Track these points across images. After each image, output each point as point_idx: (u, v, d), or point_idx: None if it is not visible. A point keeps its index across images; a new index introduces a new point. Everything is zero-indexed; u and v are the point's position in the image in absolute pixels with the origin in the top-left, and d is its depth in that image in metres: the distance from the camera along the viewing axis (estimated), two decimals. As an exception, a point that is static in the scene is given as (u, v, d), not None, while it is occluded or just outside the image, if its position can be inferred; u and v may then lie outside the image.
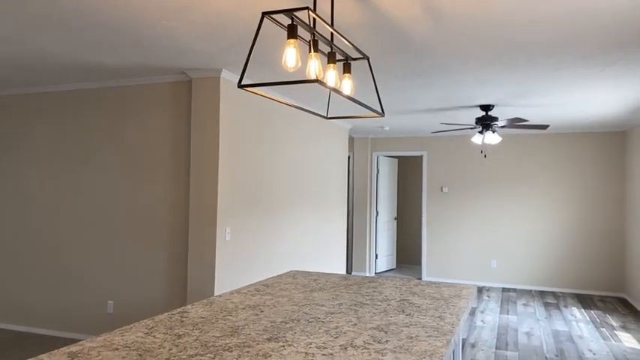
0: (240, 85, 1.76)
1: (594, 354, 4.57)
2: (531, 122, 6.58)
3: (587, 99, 5.03)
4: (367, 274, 8.59)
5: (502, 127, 5.33)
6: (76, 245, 4.83)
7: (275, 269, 5.15)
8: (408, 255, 10.06)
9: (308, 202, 6.04)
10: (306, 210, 5.97)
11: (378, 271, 8.81)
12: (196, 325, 1.94)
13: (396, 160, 9.53)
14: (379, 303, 2.37)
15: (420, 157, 9.68)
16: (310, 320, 2.02)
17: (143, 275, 4.55)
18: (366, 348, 1.68)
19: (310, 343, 1.72)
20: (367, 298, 2.48)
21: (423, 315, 2.15)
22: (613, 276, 7.34)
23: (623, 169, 7.33)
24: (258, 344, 1.70)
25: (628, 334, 5.22)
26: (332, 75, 2.19)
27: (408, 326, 1.95)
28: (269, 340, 1.76)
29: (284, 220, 5.39)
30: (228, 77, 4.26)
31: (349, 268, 8.73)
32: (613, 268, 7.34)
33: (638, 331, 5.37)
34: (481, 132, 5.47)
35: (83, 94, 4.84)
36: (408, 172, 10.21)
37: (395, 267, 9.49)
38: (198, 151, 4.23)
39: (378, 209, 8.82)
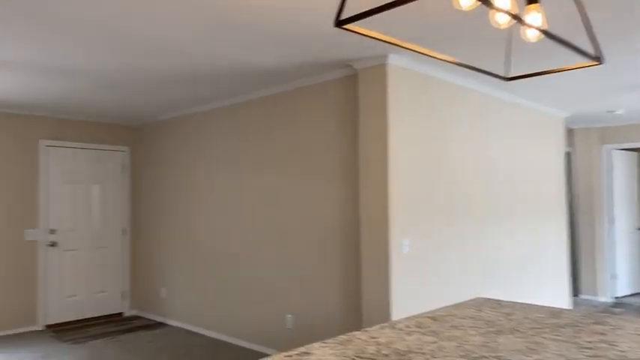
0: (338, 23, 1.13)
1: None
2: None
3: None
4: (601, 299, 6.86)
5: None
6: (256, 255, 4.75)
7: (464, 291, 4.27)
8: (660, 275, 7.80)
9: (511, 208, 4.97)
10: (508, 218, 4.91)
11: (617, 296, 6.98)
12: (306, 380, 1.35)
13: (637, 153, 7.52)
14: (610, 366, 1.44)
15: (672, 149, 7.46)
16: (479, 391, 1.25)
17: (319, 289, 4.19)
18: None
19: None
20: (589, 353, 1.56)
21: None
22: None
23: None
24: None
25: None
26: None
27: None
28: None
29: (479, 231, 4.47)
30: (397, 63, 3.64)
31: (576, 291, 7.11)
32: None
33: None
34: None
35: (254, 103, 4.77)
36: (655, 168, 7.97)
37: (642, 290, 7.44)
38: (366, 152, 3.70)
39: (614, 216, 7.01)
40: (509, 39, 1.95)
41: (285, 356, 1.57)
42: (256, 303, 4.75)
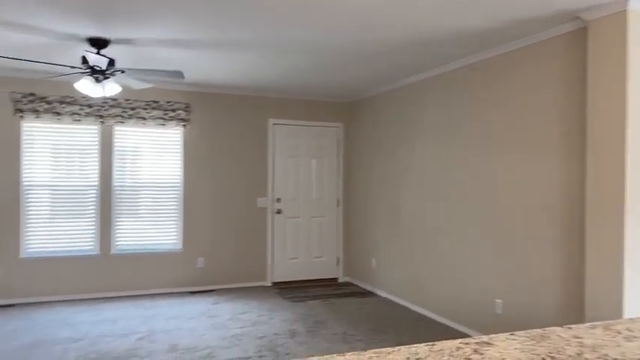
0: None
1: None
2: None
3: None
4: None
5: None
6: (465, 234, 4.50)
7: None
8: None
9: None
10: None
11: None
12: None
13: None
14: None
15: None
16: None
17: (534, 275, 3.76)
18: None
19: None
20: None
21: None
22: None
23: None
24: None
25: None
26: None
27: None
28: None
29: None
30: (642, 6, 2.93)
31: None
32: None
33: None
34: None
35: (462, 72, 4.44)
36: None
37: None
38: (597, 120, 3.10)
39: None
40: None
41: (461, 342, 1.41)
42: (463, 283, 4.53)
